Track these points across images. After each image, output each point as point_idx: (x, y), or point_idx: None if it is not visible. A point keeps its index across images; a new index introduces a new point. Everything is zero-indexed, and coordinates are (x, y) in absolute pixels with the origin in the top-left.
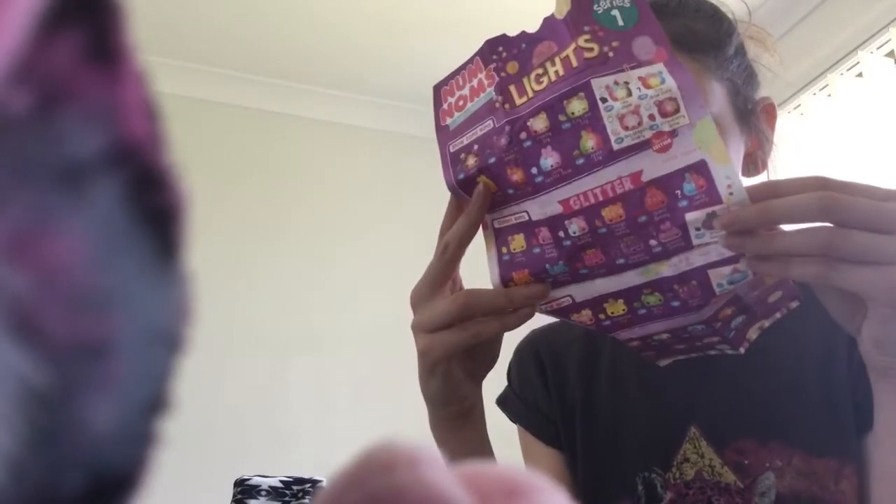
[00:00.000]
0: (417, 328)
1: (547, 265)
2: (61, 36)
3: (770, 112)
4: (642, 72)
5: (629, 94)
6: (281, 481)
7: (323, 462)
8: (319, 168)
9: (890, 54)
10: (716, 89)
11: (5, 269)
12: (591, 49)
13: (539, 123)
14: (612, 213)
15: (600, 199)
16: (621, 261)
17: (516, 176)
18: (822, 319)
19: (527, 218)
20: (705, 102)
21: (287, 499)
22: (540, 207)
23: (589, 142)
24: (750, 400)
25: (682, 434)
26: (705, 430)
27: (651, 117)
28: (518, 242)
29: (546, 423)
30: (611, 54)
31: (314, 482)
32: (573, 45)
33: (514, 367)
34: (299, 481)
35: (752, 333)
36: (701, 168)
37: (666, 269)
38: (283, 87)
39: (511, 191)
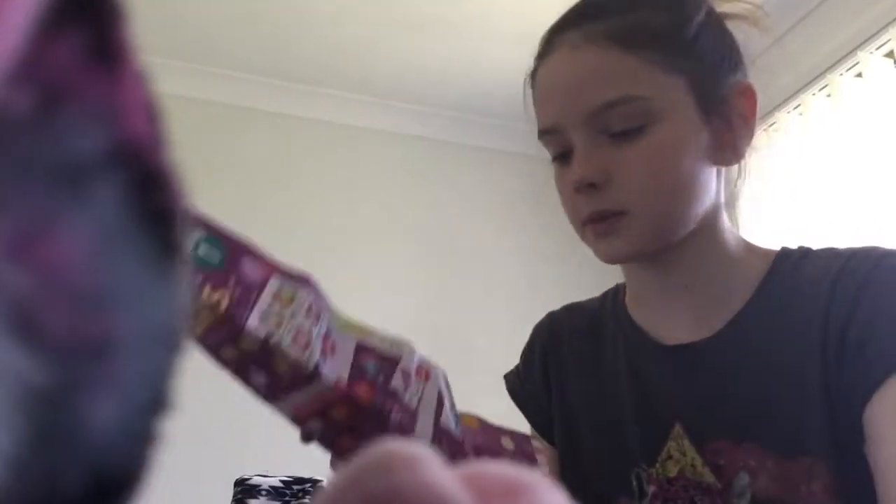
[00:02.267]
0: None
1: None
2: (62, 36)
3: (748, 95)
4: (272, 289)
5: (280, 322)
6: (281, 481)
7: (323, 462)
8: (320, 168)
9: (889, 54)
10: (667, 84)
11: (6, 269)
12: (218, 303)
13: (228, 354)
14: (340, 412)
15: (325, 407)
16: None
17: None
18: (808, 306)
19: None
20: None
21: (287, 498)
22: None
23: (282, 366)
24: (727, 400)
25: (667, 431)
26: (689, 428)
27: (309, 332)
28: None
29: (540, 410)
30: (238, 291)
31: (314, 482)
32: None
33: (525, 348)
34: (299, 481)
35: None
36: (362, 347)
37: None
38: (284, 87)
39: None
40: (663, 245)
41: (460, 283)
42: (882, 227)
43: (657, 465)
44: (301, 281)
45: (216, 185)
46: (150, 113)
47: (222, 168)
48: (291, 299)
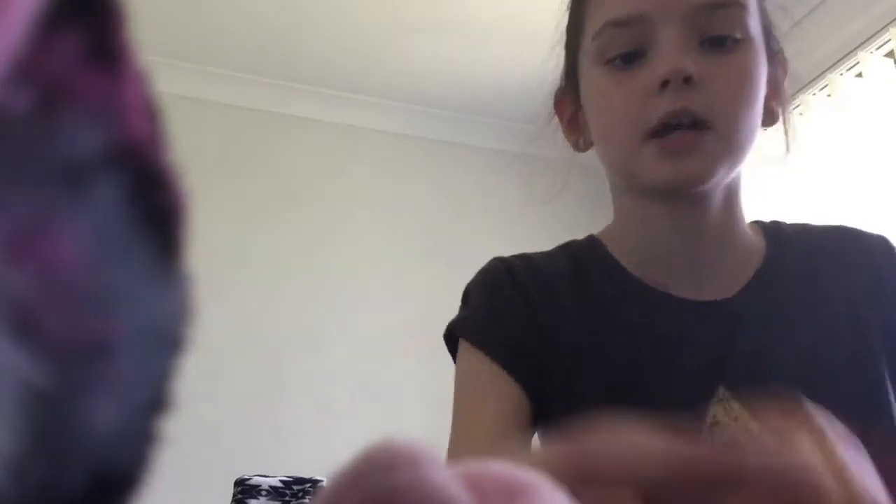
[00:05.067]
0: None
1: None
2: (62, 36)
3: (784, 66)
4: None
5: None
6: (281, 481)
7: (323, 462)
8: (319, 168)
9: (890, 54)
10: (753, 10)
11: (6, 269)
12: None
13: None
14: None
15: None
16: None
17: None
18: (841, 275)
19: None
20: None
21: (287, 498)
22: None
23: None
24: (782, 356)
25: (708, 394)
26: (736, 389)
27: None
28: None
29: (522, 356)
30: None
31: (314, 482)
32: None
33: (482, 292)
34: (299, 481)
35: None
36: None
37: None
38: (283, 87)
39: None
40: (723, 179)
41: (459, 283)
42: (883, 226)
43: (703, 433)
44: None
45: (216, 185)
46: (150, 113)
47: (222, 168)
48: None
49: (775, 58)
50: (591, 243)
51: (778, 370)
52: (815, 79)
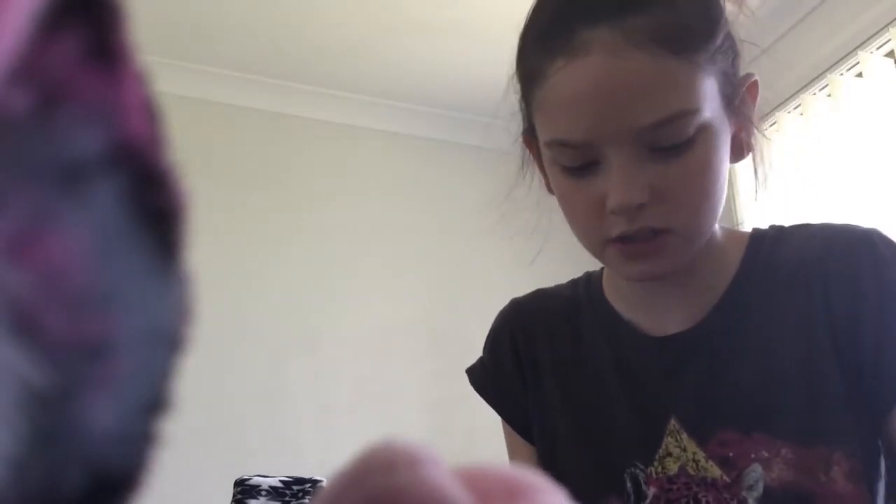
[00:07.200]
0: None
1: None
2: (61, 36)
3: (753, 90)
4: None
5: None
6: (281, 481)
7: (323, 462)
8: (319, 168)
9: (890, 54)
10: (708, 87)
11: (6, 269)
12: None
13: None
14: None
15: None
16: None
17: None
18: (797, 288)
19: None
20: None
21: (287, 499)
22: None
23: None
24: (729, 389)
25: (661, 427)
26: (685, 422)
27: None
28: None
29: (516, 409)
30: None
31: (314, 482)
32: None
33: (489, 343)
34: (299, 481)
35: None
36: None
37: None
38: (283, 87)
39: None
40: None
41: (459, 283)
42: (882, 226)
43: (655, 463)
44: None
45: (215, 185)
46: (150, 113)
47: (221, 168)
48: None
49: (735, 97)
50: (593, 282)
51: (727, 399)
52: (814, 79)
